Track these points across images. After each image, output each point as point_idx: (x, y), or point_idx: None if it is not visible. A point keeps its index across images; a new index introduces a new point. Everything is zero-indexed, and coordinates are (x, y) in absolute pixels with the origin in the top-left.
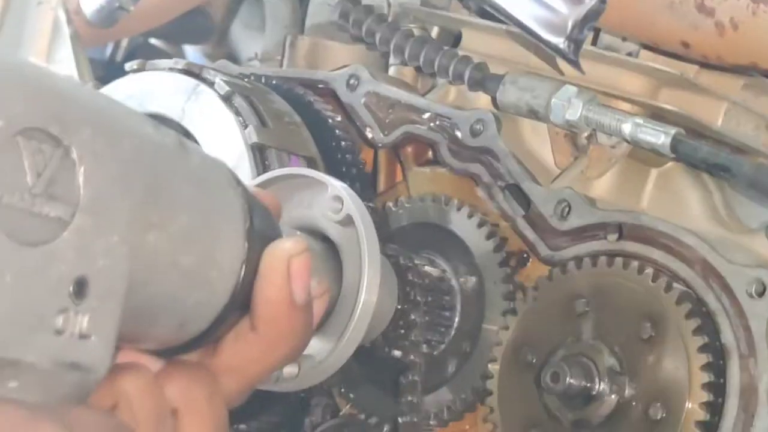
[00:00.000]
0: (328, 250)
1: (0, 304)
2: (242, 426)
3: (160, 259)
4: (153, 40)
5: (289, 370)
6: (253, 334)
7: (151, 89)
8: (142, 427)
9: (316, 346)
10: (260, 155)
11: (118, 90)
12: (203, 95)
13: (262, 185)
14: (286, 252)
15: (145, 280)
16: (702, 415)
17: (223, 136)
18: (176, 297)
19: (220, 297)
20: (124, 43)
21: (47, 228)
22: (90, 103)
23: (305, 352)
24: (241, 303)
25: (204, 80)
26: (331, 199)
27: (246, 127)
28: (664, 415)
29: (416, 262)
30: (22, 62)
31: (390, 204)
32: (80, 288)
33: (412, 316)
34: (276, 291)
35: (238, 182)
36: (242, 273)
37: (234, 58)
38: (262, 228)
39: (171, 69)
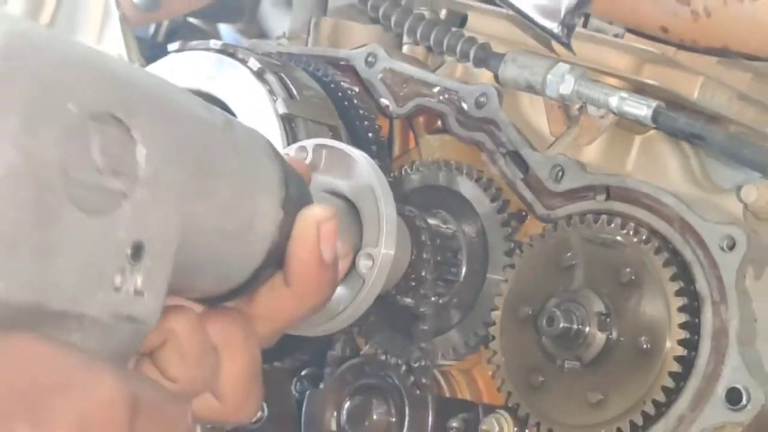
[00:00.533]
0: (350, 210)
1: (69, 265)
2: (277, 363)
3: (206, 225)
4: (191, 19)
5: (317, 317)
6: (286, 288)
7: (192, 68)
8: (188, 358)
9: (340, 295)
10: (289, 124)
11: (162, 68)
12: (238, 72)
13: (293, 153)
14: (316, 217)
15: (192, 243)
16: (680, 350)
17: (256, 107)
18: (218, 256)
19: (257, 256)
20: (165, 23)
21: (110, 200)
22: (149, 87)
23: (333, 301)
24: (275, 261)
25: (238, 59)
26: (353, 166)
27: (276, 99)
28: (648, 347)
29: (428, 221)
30: (89, 50)
31: (404, 168)
32: (137, 251)
33: (423, 271)
34: (307, 251)
35: (276, 154)
36: (278, 235)
37: (264, 35)
38: (295, 195)
39: (209, 49)
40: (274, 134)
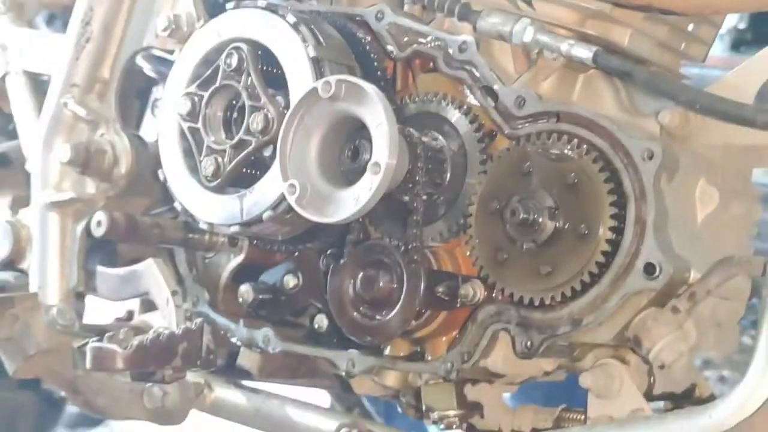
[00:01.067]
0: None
1: None
2: (309, 245)
3: None
4: None
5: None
6: None
7: (244, 21)
8: None
9: (355, 194)
10: (317, 65)
11: (221, 22)
12: (279, 24)
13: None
14: None
15: None
16: (610, 235)
17: (292, 51)
18: None
19: None
20: None
21: None
22: None
23: (350, 200)
24: None
25: (279, 14)
26: (366, 96)
27: (307, 45)
28: (586, 233)
29: (422, 138)
30: None
31: (404, 99)
32: None
33: (417, 176)
34: None
35: None
36: None
37: None
38: None
39: (257, 6)
40: (306, 72)
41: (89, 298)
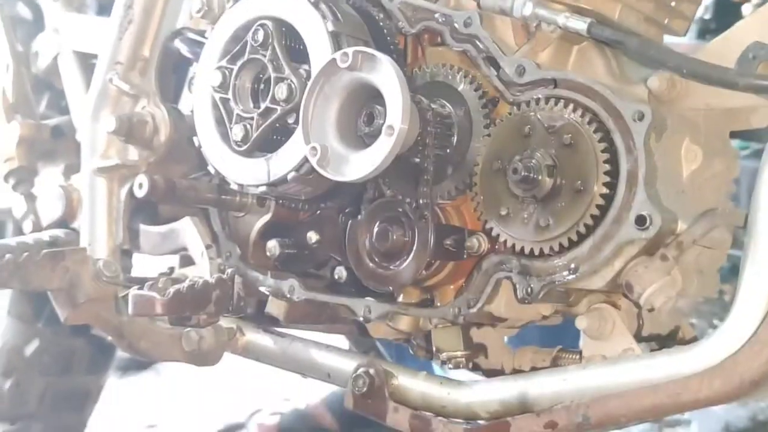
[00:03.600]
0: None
1: None
2: (329, 203)
3: None
4: None
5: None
6: None
7: (271, 1)
8: None
9: (371, 155)
10: (335, 39)
11: (250, 3)
12: (300, 2)
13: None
14: None
15: None
16: (604, 190)
17: (312, 26)
18: None
19: None
20: None
21: None
22: None
23: (366, 161)
24: None
25: None
26: (380, 66)
27: (326, 21)
28: (582, 188)
29: (431, 105)
30: None
31: (415, 70)
32: None
33: (427, 139)
34: None
35: None
36: None
37: None
38: None
39: None
40: (325, 46)
41: (139, 258)
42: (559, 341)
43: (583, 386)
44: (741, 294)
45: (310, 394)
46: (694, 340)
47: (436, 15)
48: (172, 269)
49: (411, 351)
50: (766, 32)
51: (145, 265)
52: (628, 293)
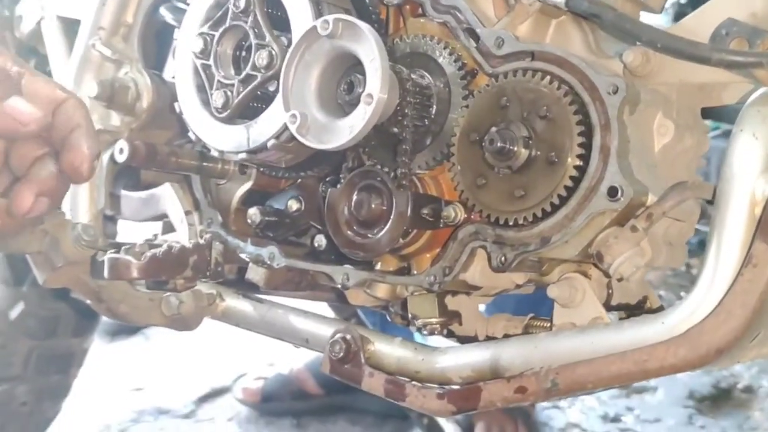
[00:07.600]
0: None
1: None
2: (309, 172)
3: None
4: None
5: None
6: None
7: None
8: None
9: (351, 123)
10: (316, 6)
11: None
12: None
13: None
14: None
15: None
16: (578, 162)
17: None
18: None
19: None
20: None
21: None
22: None
23: (345, 129)
24: None
25: None
26: (361, 35)
27: None
28: (556, 160)
29: (411, 75)
30: None
31: (395, 40)
32: None
33: (406, 109)
34: None
35: None
36: None
37: None
38: None
39: None
40: (306, 13)
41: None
42: (535, 311)
43: (553, 353)
44: (707, 265)
45: (294, 359)
46: (661, 309)
47: None
48: (155, 236)
49: (388, 318)
50: (739, 9)
51: (130, 232)
52: (599, 263)
